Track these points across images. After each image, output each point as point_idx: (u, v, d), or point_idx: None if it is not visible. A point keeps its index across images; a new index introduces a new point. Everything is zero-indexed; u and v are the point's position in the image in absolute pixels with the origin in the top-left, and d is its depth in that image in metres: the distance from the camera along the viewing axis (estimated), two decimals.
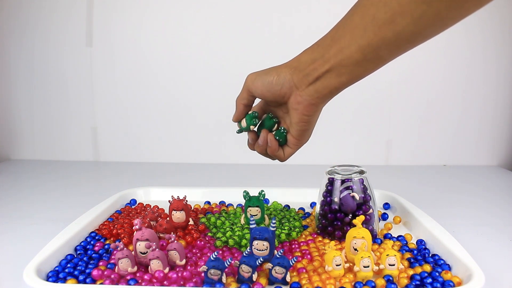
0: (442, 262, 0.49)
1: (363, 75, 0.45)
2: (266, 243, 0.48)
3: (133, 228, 0.49)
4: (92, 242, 0.56)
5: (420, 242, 0.55)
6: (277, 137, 0.52)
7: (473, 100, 1.08)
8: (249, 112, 0.54)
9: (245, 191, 0.60)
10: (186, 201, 0.60)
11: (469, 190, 0.87)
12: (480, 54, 1.05)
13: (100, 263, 0.50)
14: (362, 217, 0.51)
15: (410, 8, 0.38)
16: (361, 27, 0.42)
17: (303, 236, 0.58)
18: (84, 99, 1.12)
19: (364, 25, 0.41)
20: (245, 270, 0.44)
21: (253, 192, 0.61)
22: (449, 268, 0.47)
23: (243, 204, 0.64)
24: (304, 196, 0.73)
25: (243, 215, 0.61)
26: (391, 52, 0.42)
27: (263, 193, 0.60)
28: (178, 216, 0.58)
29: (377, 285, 0.44)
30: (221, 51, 1.09)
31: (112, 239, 0.57)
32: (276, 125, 0.53)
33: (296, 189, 0.75)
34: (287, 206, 0.70)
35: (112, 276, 0.45)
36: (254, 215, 0.59)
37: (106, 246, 0.54)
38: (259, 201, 0.59)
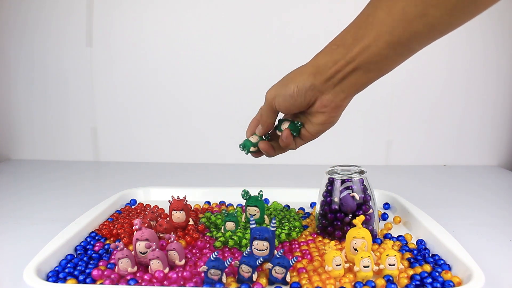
0: (442, 262, 0.49)
1: (392, 67, 0.43)
2: (266, 243, 0.48)
3: (133, 228, 0.49)
4: (92, 242, 0.56)
5: (420, 242, 0.55)
6: (293, 133, 0.51)
7: (473, 100, 1.08)
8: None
9: (244, 190, 0.60)
10: (186, 201, 0.60)
11: (469, 190, 0.87)
12: (481, 54, 1.05)
13: (100, 263, 0.50)
14: (362, 217, 0.51)
15: None
16: (388, 23, 0.39)
17: (303, 236, 0.58)
18: (84, 99, 1.12)
19: (392, 21, 0.39)
20: (245, 270, 0.44)
21: (253, 192, 0.61)
22: (449, 268, 0.47)
23: (243, 204, 0.64)
24: (304, 196, 0.73)
25: (244, 214, 0.61)
26: (422, 43, 0.41)
27: (261, 193, 0.60)
28: (178, 216, 0.58)
29: (377, 285, 0.44)
30: (221, 51, 1.09)
31: (112, 239, 0.57)
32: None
33: (296, 189, 0.75)
34: (287, 206, 0.70)
35: (112, 276, 0.45)
36: (253, 215, 0.59)
37: (106, 246, 0.54)
38: (257, 201, 0.59)
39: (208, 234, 0.58)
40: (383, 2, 0.40)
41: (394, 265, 0.46)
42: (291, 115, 0.52)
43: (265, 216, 0.61)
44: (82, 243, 0.55)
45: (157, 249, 0.46)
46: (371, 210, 0.57)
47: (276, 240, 0.54)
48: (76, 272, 0.47)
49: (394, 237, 0.57)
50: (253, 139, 0.53)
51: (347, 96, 0.46)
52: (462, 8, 0.37)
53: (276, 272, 0.45)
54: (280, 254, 0.45)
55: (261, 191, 0.61)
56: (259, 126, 0.52)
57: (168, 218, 0.59)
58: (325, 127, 0.49)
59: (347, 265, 0.48)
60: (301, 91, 0.46)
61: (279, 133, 0.51)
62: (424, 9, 0.37)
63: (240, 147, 0.54)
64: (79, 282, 0.45)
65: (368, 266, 0.45)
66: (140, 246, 0.48)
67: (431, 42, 0.41)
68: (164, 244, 0.52)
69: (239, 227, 0.58)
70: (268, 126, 0.51)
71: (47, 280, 0.45)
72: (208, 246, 0.55)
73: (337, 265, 0.46)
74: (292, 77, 0.47)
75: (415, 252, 0.52)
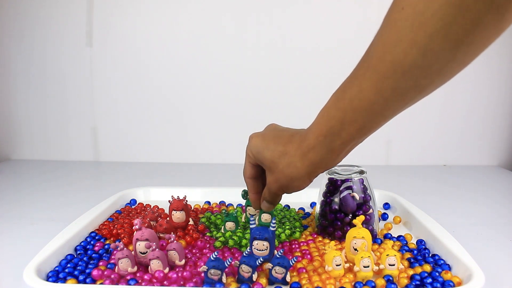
0: (442, 262, 0.49)
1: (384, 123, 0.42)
2: (266, 243, 0.48)
3: (133, 228, 0.49)
4: (92, 242, 0.56)
5: (420, 242, 0.55)
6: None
7: (473, 100, 1.08)
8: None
9: (243, 190, 0.60)
10: (186, 201, 0.60)
11: (469, 190, 0.87)
12: (481, 54, 1.05)
13: (100, 263, 0.50)
14: (362, 217, 0.51)
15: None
16: (370, 101, 0.38)
17: (303, 236, 0.58)
18: (84, 99, 1.12)
19: (375, 96, 0.37)
20: (245, 270, 0.44)
21: None
22: (449, 268, 0.47)
23: (243, 204, 0.64)
24: (304, 196, 0.72)
25: (244, 214, 0.61)
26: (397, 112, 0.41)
27: None
28: (178, 216, 0.58)
29: (377, 285, 0.44)
30: (221, 51, 1.09)
31: (112, 239, 0.57)
32: None
33: None
34: (287, 206, 0.70)
35: (112, 276, 0.45)
36: (253, 214, 0.59)
37: (106, 246, 0.54)
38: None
39: (208, 234, 0.58)
40: (366, 82, 0.37)
41: (394, 265, 0.46)
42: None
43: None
44: (82, 243, 0.55)
45: (157, 249, 0.46)
46: (371, 210, 0.57)
47: (276, 240, 0.54)
48: (76, 272, 0.47)
49: (394, 237, 0.57)
50: (267, 219, 0.56)
51: (345, 155, 0.46)
52: (452, 70, 0.37)
53: (276, 272, 0.45)
54: (280, 254, 0.45)
55: None
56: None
57: (168, 218, 0.59)
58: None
59: (347, 265, 0.48)
60: (309, 184, 0.46)
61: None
62: (416, 81, 0.36)
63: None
64: (79, 282, 0.45)
65: (368, 266, 0.45)
66: (140, 246, 0.48)
67: (425, 96, 0.40)
68: (164, 244, 0.52)
69: (239, 227, 0.58)
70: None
71: (47, 280, 0.45)
72: (208, 246, 0.55)
73: (337, 265, 0.46)
74: (292, 180, 0.45)
75: (415, 252, 0.52)
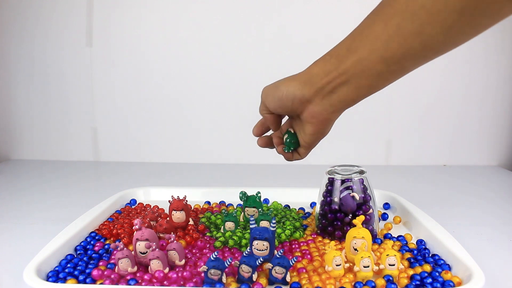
0: (442, 262, 0.49)
1: (382, 86, 0.43)
2: (266, 243, 0.48)
3: (133, 228, 0.49)
4: (92, 242, 0.56)
5: (420, 242, 0.55)
6: (285, 149, 0.53)
7: (473, 100, 1.08)
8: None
9: (241, 192, 0.60)
10: (186, 201, 0.60)
11: (469, 190, 0.87)
12: (481, 54, 1.05)
13: (100, 263, 0.50)
14: (362, 217, 0.51)
15: (440, 18, 0.35)
16: (383, 38, 0.39)
17: (303, 236, 0.58)
18: (84, 99, 1.12)
19: (387, 36, 0.38)
20: (245, 270, 0.44)
21: (251, 193, 0.61)
22: (449, 268, 0.47)
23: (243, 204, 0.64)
24: (304, 196, 0.73)
25: (242, 213, 0.61)
26: (416, 62, 0.40)
27: (259, 195, 0.60)
28: (178, 216, 0.58)
29: (377, 285, 0.44)
30: (221, 51, 1.09)
31: (112, 239, 0.57)
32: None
33: (296, 189, 0.75)
34: (287, 206, 0.70)
35: (112, 276, 0.45)
36: (252, 215, 0.59)
37: (106, 246, 0.54)
38: (256, 201, 0.59)
39: (208, 234, 0.58)
40: (379, 16, 0.39)
41: (394, 265, 0.46)
42: (290, 124, 0.53)
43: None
44: (82, 243, 0.55)
45: (157, 249, 0.46)
46: (371, 210, 0.57)
47: (276, 240, 0.55)
48: (76, 272, 0.47)
49: (394, 237, 0.57)
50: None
51: (335, 111, 0.46)
52: (458, 29, 0.36)
53: (276, 272, 0.45)
54: (280, 254, 0.45)
55: (258, 192, 0.61)
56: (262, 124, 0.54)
57: (168, 218, 0.59)
58: (316, 137, 0.50)
59: (347, 265, 0.48)
60: (289, 97, 0.46)
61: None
62: (420, 26, 0.36)
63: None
64: (79, 282, 0.45)
65: (368, 266, 0.45)
66: (140, 246, 0.48)
67: (426, 62, 0.40)
68: (164, 244, 0.52)
69: (238, 227, 0.58)
70: (269, 123, 0.53)
71: (47, 280, 0.45)
72: (208, 246, 0.55)
73: (337, 265, 0.46)
74: (285, 82, 0.47)
75: (415, 252, 0.52)
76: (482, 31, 0.37)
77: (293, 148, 0.53)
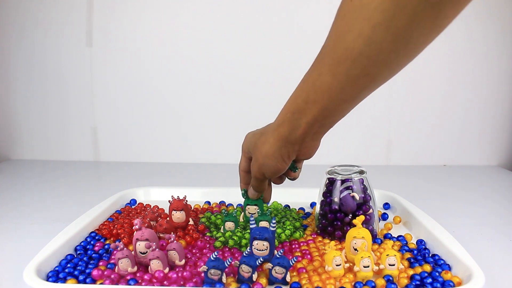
0: (442, 262, 0.49)
1: (354, 106, 0.44)
2: (266, 243, 0.48)
3: (133, 228, 0.49)
4: (92, 242, 0.56)
5: (420, 242, 0.55)
6: (293, 170, 0.55)
7: (473, 100, 1.08)
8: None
9: (243, 189, 0.60)
10: (186, 201, 0.60)
11: (469, 190, 0.87)
12: (481, 54, 1.05)
13: (100, 263, 0.50)
14: (362, 217, 0.51)
15: (380, 58, 0.37)
16: (336, 86, 0.41)
17: (303, 236, 0.58)
18: (84, 99, 1.12)
19: (339, 84, 0.40)
20: (245, 270, 0.44)
21: None
22: (449, 268, 0.47)
23: (243, 204, 0.64)
24: (304, 196, 0.73)
25: (242, 213, 0.61)
26: (373, 90, 0.42)
27: None
28: (178, 216, 0.58)
29: (377, 285, 0.44)
30: (221, 51, 1.09)
31: (112, 239, 0.57)
32: None
33: (296, 189, 0.75)
34: (287, 206, 0.70)
35: (112, 276, 0.45)
36: (253, 213, 0.59)
37: (106, 246, 0.54)
38: (257, 199, 0.59)
39: (208, 234, 0.58)
40: (324, 67, 0.41)
41: (394, 265, 0.46)
42: None
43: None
44: (82, 243, 0.55)
45: (157, 249, 0.46)
46: (371, 210, 0.57)
47: (276, 240, 0.54)
48: (76, 272, 0.47)
49: (394, 237, 0.57)
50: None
51: (319, 138, 0.49)
52: (397, 62, 0.38)
53: (276, 272, 0.45)
54: (280, 254, 0.45)
55: None
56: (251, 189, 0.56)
57: (168, 218, 0.59)
58: (307, 158, 0.52)
59: (347, 265, 0.48)
60: (284, 166, 0.49)
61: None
62: (365, 69, 0.38)
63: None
64: (79, 282, 0.45)
65: (368, 266, 0.45)
66: (140, 246, 0.48)
67: (380, 85, 0.42)
68: (164, 244, 0.52)
69: (238, 227, 0.58)
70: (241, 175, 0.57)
71: (47, 280, 0.45)
72: (208, 246, 0.55)
73: (337, 265, 0.46)
74: (266, 156, 0.49)
75: (415, 252, 0.52)
76: (418, 53, 0.39)
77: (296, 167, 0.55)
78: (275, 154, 0.48)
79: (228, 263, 0.44)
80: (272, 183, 0.58)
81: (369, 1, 0.35)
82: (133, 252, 0.48)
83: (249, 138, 0.53)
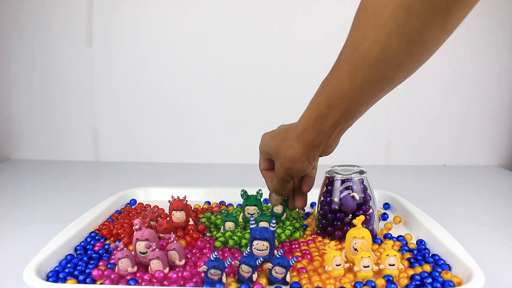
0: (442, 262, 0.49)
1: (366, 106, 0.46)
2: (266, 243, 0.48)
3: (133, 228, 0.49)
4: (92, 242, 0.56)
5: (420, 242, 0.55)
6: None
7: (473, 100, 1.08)
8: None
9: (242, 190, 0.60)
10: (186, 201, 0.60)
11: (469, 190, 0.87)
12: (481, 54, 1.05)
13: (100, 263, 0.50)
14: (362, 217, 0.51)
15: (394, 63, 0.40)
16: (355, 92, 0.43)
17: (303, 236, 0.58)
18: (84, 99, 1.12)
19: (358, 89, 0.42)
20: (245, 270, 0.44)
21: (252, 192, 0.61)
22: (449, 268, 0.47)
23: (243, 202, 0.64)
24: None
25: (242, 214, 0.61)
26: (391, 89, 0.45)
27: (260, 192, 0.60)
28: (178, 216, 0.58)
29: (377, 285, 0.44)
30: (221, 51, 1.09)
31: (112, 239, 0.57)
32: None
33: None
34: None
35: (112, 276, 0.45)
36: (252, 214, 0.59)
37: (106, 246, 0.54)
38: (257, 200, 0.60)
39: (208, 234, 0.58)
40: (343, 73, 0.43)
41: (394, 265, 0.46)
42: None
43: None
44: (82, 243, 0.55)
45: (157, 249, 0.46)
46: (371, 210, 0.57)
47: (276, 240, 0.54)
48: (76, 272, 0.47)
49: (394, 237, 0.57)
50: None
51: (340, 137, 0.52)
52: (412, 65, 0.41)
53: (276, 272, 0.45)
54: (280, 254, 0.45)
55: (260, 190, 0.61)
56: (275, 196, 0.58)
57: (168, 218, 0.59)
58: (327, 155, 0.55)
59: (347, 265, 0.48)
60: (309, 167, 0.52)
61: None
62: (382, 73, 0.41)
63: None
64: (79, 282, 0.45)
65: (368, 266, 0.45)
66: (140, 246, 0.48)
67: (396, 86, 0.44)
68: (164, 244, 0.52)
69: (238, 227, 0.58)
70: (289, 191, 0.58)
71: (47, 280, 0.45)
72: (208, 246, 0.55)
73: (337, 265, 0.46)
74: (292, 161, 0.51)
75: (415, 252, 0.52)
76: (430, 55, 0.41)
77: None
78: (302, 158, 0.50)
79: (228, 263, 0.44)
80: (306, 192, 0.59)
81: (383, 11, 0.37)
82: (133, 252, 0.48)
83: (268, 141, 0.54)
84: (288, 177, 0.53)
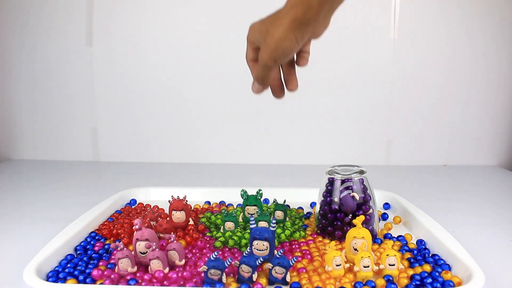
0: (442, 262, 0.49)
1: None
2: (266, 243, 0.49)
3: (133, 228, 0.49)
4: (92, 242, 0.56)
5: (420, 242, 0.55)
6: None
7: (473, 100, 1.08)
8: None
9: (242, 190, 0.60)
10: (186, 201, 0.60)
11: (469, 190, 0.87)
12: (481, 54, 1.05)
13: (100, 263, 0.50)
14: (362, 217, 0.51)
15: None
16: None
17: (303, 236, 0.58)
18: (84, 99, 1.12)
19: None
20: (245, 270, 0.44)
21: (252, 192, 0.61)
22: (449, 268, 0.47)
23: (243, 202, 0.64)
24: (304, 196, 0.73)
25: (241, 214, 0.61)
26: None
27: (260, 192, 0.60)
28: (178, 216, 0.58)
29: (377, 285, 0.44)
30: (222, 51, 1.09)
31: (112, 239, 0.57)
32: None
33: (296, 189, 0.75)
34: (287, 206, 0.70)
35: (112, 276, 0.46)
36: (252, 214, 0.59)
37: (106, 246, 0.54)
38: (256, 200, 0.60)
39: (208, 234, 0.58)
40: None
41: (394, 265, 0.46)
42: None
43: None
44: (82, 243, 0.55)
45: (157, 249, 0.46)
46: (371, 210, 0.57)
47: (276, 240, 0.55)
48: (76, 272, 0.47)
49: (394, 237, 0.57)
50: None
51: (330, 16, 0.48)
52: None
53: (276, 272, 0.45)
54: (280, 254, 0.45)
55: (260, 190, 0.61)
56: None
57: (168, 218, 0.59)
58: (316, 38, 0.51)
59: (347, 265, 0.48)
60: (297, 47, 0.48)
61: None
62: None
63: None
64: (79, 282, 0.45)
65: (368, 266, 0.45)
66: (140, 246, 0.48)
67: None
68: (164, 244, 0.52)
69: (238, 227, 0.58)
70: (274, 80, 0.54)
71: (47, 280, 0.45)
72: (208, 246, 0.55)
73: (337, 265, 0.46)
74: (280, 40, 0.47)
75: (415, 252, 0.52)
76: None
77: None
78: (290, 36, 0.47)
79: (228, 263, 0.44)
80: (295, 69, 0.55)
81: None
82: (133, 252, 0.48)
83: (257, 27, 0.52)
84: (272, 62, 0.50)
